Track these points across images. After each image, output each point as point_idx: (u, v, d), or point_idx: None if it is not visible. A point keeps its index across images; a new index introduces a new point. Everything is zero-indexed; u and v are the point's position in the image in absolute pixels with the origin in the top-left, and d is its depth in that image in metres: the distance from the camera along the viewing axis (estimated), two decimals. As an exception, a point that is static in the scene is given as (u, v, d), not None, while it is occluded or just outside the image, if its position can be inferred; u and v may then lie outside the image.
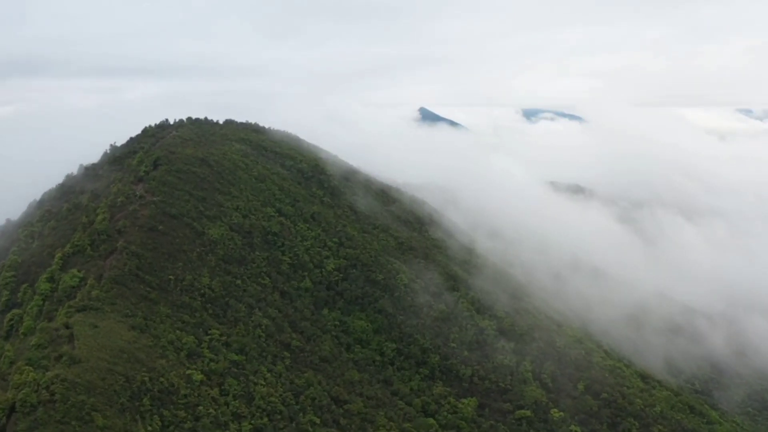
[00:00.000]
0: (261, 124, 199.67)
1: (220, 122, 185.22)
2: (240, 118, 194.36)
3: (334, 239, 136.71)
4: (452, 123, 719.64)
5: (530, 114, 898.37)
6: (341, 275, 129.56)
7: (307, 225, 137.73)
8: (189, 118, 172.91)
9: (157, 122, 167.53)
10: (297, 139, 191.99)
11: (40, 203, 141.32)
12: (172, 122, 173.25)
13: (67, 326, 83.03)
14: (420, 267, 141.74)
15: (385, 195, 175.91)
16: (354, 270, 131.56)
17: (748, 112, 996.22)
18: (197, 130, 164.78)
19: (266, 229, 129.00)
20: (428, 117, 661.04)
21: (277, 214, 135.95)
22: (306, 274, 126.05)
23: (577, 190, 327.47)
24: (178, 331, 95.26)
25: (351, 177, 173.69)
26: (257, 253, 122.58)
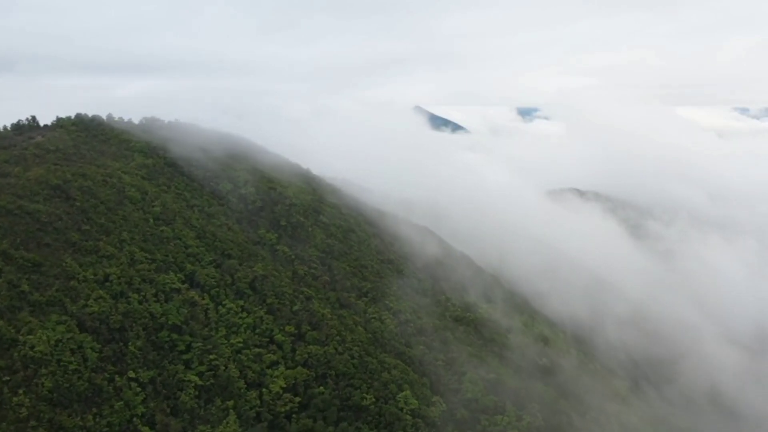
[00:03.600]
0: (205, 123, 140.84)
1: (136, 121, 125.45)
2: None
3: (288, 327, 77.67)
4: (447, 123, 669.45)
5: (526, 113, 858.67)
6: (299, 401, 70.69)
7: (242, 302, 78.50)
8: (78, 115, 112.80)
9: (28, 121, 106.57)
10: (248, 147, 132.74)
11: None
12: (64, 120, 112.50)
13: None
14: (437, 368, 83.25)
15: (373, 231, 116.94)
16: (323, 387, 72.78)
17: (744, 111, 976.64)
18: (82, 134, 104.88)
19: (157, 321, 69.83)
20: (423, 116, 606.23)
21: (186, 285, 76.71)
22: (231, 404, 67.12)
23: (578, 196, 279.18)
24: None
25: (325, 205, 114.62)
26: (132, 373, 63.37)
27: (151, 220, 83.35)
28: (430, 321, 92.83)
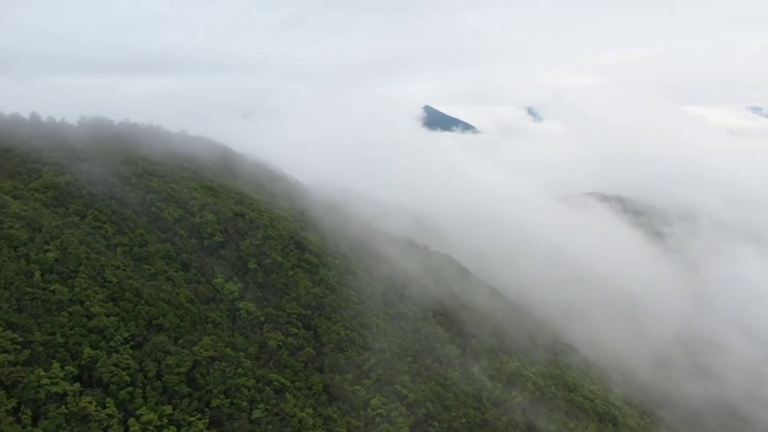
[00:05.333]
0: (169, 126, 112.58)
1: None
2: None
3: (243, 449, 48.61)
4: (457, 122, 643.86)
5: (536, 112, 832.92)
6: None
7: (170, 409, 49.48)
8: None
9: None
10: (222, 156, 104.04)
11: None
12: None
13: None
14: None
15: (380, 268, 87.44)
16: None
17: (757, 110, 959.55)
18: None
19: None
20: (433, 116, 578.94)
21: (78, 386, 47.44)
22: None
23: (596, 201, 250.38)
24: None
25: (315, 234, 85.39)
26: None
27: (38, 274, 54.43)
28: (460, 412, 63.45)
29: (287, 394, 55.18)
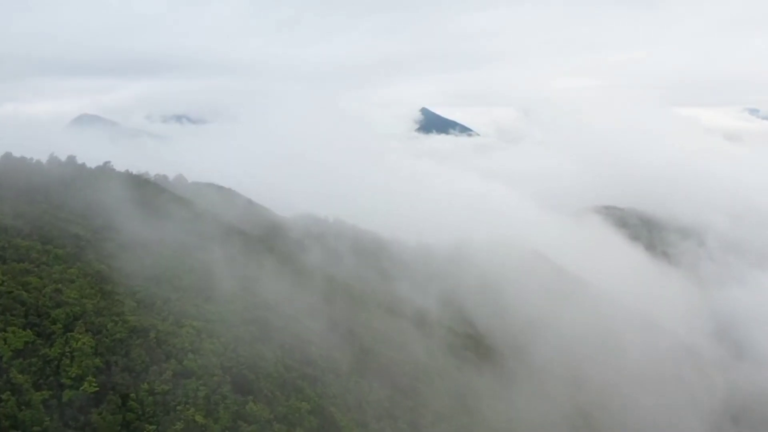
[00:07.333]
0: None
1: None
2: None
3: None
4: (455, 125, 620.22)
5: (534, 114, 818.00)
6: None
7: None
8: None
9: None
10: (127, 198, 72.59)
11: None
12: None
13: None
14: None
15: (381, 391, 56.02)
16: None
17: (754, 111, 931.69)
18: None
19: None
20: (430, 118, 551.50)
21: None
22: None
23: (595, 212, 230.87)
24: None
25: (267, 349, 53.96)
26: None
27: None
28: None
29: None
